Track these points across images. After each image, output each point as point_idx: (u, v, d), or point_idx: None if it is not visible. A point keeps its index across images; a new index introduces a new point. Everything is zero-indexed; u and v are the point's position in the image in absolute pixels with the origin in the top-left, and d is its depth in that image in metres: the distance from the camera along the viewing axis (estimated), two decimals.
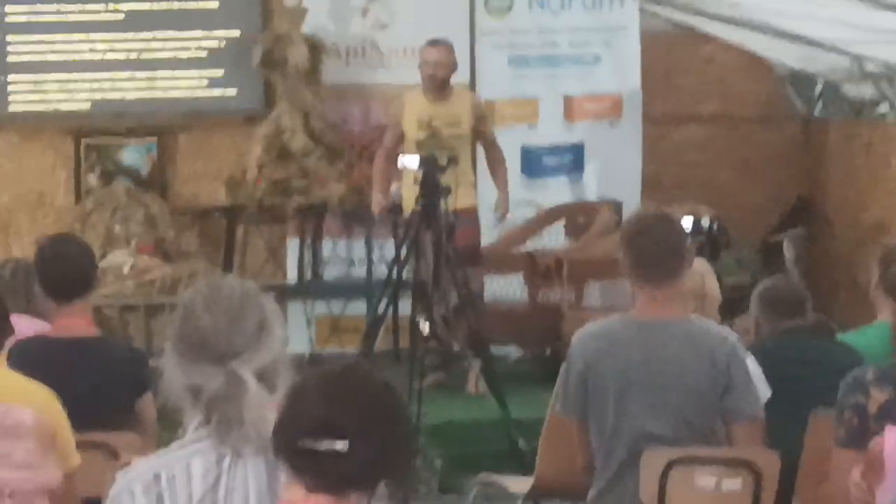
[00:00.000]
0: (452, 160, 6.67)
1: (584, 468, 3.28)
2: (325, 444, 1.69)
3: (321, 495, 1.71)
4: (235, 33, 7.97)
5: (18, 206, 8.03)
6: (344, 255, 7.73)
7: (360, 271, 7.68)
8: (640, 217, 4.44)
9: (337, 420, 1.69)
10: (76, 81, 7.99)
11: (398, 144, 7.05)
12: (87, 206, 7.54)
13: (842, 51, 7.80)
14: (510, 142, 7.83)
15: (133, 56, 8.02)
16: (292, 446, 1.72)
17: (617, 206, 7.93)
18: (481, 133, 7.17)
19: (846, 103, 9.47)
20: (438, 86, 6.99)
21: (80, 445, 3.28)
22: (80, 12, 7.93)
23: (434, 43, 7.03)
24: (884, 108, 8.80)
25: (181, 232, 7.77)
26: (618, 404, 3.17)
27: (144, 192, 7.95)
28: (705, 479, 3.19)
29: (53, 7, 7.99)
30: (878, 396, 2.85)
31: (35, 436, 3.13)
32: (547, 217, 7.98)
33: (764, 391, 3.39)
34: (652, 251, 3.51)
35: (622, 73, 8.40)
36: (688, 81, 9.52)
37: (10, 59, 8.08)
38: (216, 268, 7.07)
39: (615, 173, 8.24)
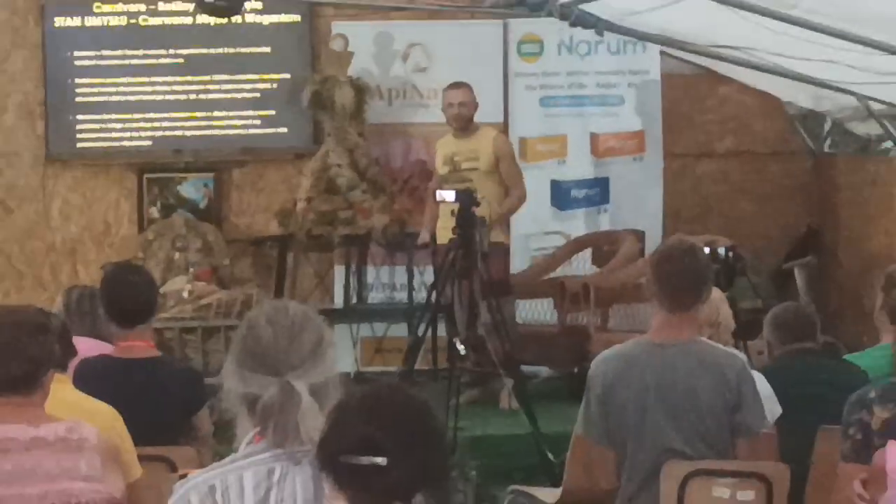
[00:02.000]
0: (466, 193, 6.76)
1: (606, 489, 3.33)
2: (365, 460, 1.73)
3: None
4: (286, 76, 8.16)
5: (86, 236, 8.28)
6: (386, 280, 7.87)
7: (401, 296, 7.83)
8: (669, 245, 4.49)
9: (377, 437, 1.72)
10: (139, 121, 8.19)
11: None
12: (148, 236, 7.71)
13: (849, 91, 7.78)
14: (541, 176, 8.10)
15: (192, 97, 8.28)
16: (335, 461, 1.78)
17: (640, 236, 7.94)
18: (501, 170, 7.20)
19: (853, 140, 9.44)
20: (462, 124, 7.10)
21: (141, 458, 3.37)
22: (144, 57, 8.18)
23: (455, 85, 7.18)
24: (888, 144, 8.70)
25: (236, 259, 7.99)
26: (637, 423, 3.23)
27: (202, 222, 8.08)
28: (721, 490, 3.24)
29: (119, 52, 8.21)
30: (881, 414, 2.87)
31: (99, 451, 3.15)
32: (575, 246, 8.03)
33: (774, 409, 3.43)
34: (677, 278, 3.56)
35: (645, 112, 8.46)
36: (706, 120, 9.51)
37: (79, 100, 8.28)
38: (268, 293, 7.17)
39: (638, 205, 8.37)
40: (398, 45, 8.26)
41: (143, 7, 8.35)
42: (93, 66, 8.30)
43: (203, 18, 8.07)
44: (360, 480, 1.77)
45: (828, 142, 9.64)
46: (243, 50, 8.26)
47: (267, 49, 8.35)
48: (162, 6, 8.39)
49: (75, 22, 7.67)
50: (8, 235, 7.96)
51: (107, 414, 3.41)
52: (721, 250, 6.48)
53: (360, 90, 8.08)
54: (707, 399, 3.22)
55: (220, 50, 8.30)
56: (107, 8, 8.25)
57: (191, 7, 8.01)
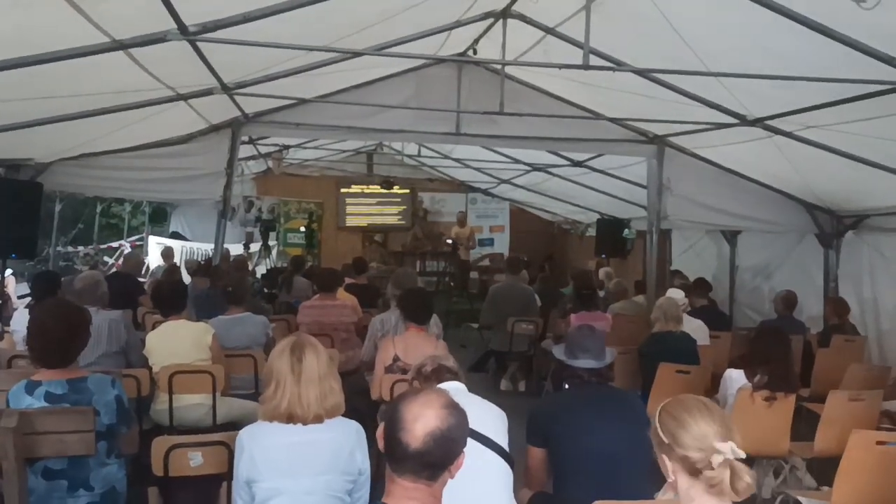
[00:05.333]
0: (457, 244, 14.39)
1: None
2: (413, 307, 4.88)
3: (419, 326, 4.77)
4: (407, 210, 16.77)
5: None
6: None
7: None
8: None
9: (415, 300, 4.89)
10: None
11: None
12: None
13: (596, 211, 13.09)
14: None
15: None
16: (405, 309, 4.95)
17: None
18: (471, 236, 14.64)
19: (571, 227, 15.45)
20: (461, 223, 14.49)
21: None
22: None
23: (461, 221, 14.67)
24: (587, 230, 14.71)
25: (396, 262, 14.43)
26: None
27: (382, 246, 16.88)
28: None
29: None
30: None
31: (350, 309, 6.62)
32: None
33: None
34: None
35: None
36: (526, 228, 16.74)
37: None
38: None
39: None
40: None
41: None
42: None
43: None
44: (412, 313, 4.78)
45: (556, 227, 16.79)
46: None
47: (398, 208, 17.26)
48: None
49: None
50: None
51: (351, 299, 6.92)
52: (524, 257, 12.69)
53: (426, 212, 16.82)
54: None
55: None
56: None
57: None
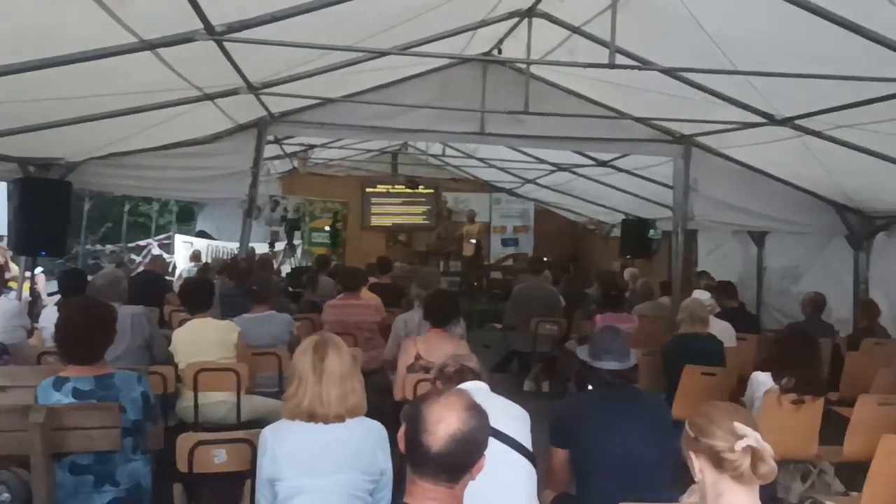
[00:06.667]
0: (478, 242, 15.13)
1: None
2: (436, 309, 4.90)
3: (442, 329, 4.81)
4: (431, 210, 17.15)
5: None
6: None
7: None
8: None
9: (441, 302, 4.92)
10: None
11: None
12: None
13: (621, 211, 13.04)
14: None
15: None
16: (430, 310, 4.93)
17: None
18: (480, 233, 15.14)
19: (595, 226, 15.26)
20: (471, 220, 15.06)
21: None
22: None
23: (472, 220, 15.20)
24: (613, 231, 14.17)
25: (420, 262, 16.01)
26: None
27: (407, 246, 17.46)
28: None
29: None
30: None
31: (373, 308, 6.79)
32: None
33: None
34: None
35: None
36: (550, 229, 16.84)
37: None
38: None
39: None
40: None
41: None
42: None
43: None
44: (436, 315, 4.83)
45: (581, 227, 16.27)
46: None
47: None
48: None
49: None
50: None
51: (375, 299, 7.02)
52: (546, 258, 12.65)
53: (450, 212, 16.82)
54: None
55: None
56: None
57: None
